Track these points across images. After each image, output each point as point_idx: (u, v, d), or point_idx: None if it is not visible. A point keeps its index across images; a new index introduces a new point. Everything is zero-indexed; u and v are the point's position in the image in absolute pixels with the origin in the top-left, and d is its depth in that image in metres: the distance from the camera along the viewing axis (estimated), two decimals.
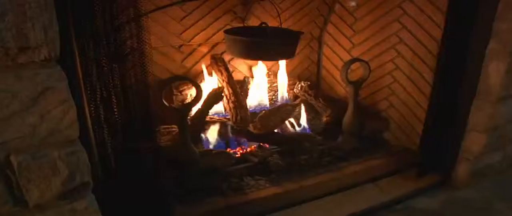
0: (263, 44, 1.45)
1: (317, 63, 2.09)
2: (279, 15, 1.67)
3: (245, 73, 1.90)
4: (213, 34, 1.72)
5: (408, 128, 1.69)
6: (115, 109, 1.09)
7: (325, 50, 2.03)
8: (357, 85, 1.61)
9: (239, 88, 1.71)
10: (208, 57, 1.74)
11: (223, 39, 1.70)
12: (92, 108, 0.99)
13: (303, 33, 1.58)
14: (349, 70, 1.60)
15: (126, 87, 1.10)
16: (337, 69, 1.99)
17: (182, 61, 1.71)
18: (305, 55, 2.05)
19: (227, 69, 1.67)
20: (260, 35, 1.50)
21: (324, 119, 1.78)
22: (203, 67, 1.71)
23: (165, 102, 1.29)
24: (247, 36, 1.47)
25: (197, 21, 1.65)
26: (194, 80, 1.40)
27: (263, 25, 1.54)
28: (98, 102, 1.01)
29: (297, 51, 1.59)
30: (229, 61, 1.82)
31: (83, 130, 0.89)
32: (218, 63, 1.69)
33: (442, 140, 1.51)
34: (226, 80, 1.66)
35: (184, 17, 1.61)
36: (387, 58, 1.72)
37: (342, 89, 2.00)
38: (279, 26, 1.67)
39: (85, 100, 0.96)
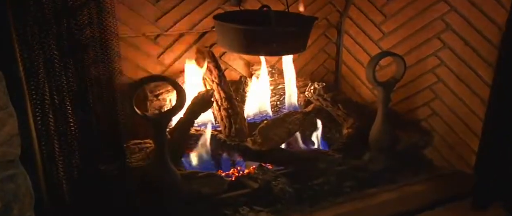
0: (265, 34, 1.44)
1: (335, 58, 2.09)
2: None
3: (241, 71, 1.89)
4: (200, 21, 1.71)
5: (458, 143, 1.67)
6: (70, 119, 1.07)
7: (346, 41, 2.03)
8: (388, 86, 1.60)
9: (234, 92, 1.70)
10: (193, 50, 1.73)
11: (213, 27, 1.69)
12: (39, 118, 0.97)
13: (317, 19, 1.57)
14: (377, 67, 1.59)
15: (85, 89, 1.09)
16: (362, 65, 1.99)
17: (159, 56, 1.70)
18: (320, 48, 2.05)
19: (218, 67, 1.67)
20: (260, 22, 1.49)
21: (345, 131, 1.76)
22: (187, 64, 1.71)
23: (136, 110, 1.28)
24: (244, 23, 1.47)
25: (178, 3, 1.65)
26: (175, 81, 1.38)
27: (265, 9, 1.54)
28: (47, 110, 0.99)
29: (309, 43, 1.58)
30: (220, 56, 1.81)
31: (26, 147, 0.87)
32: (206, 59, 1.68)
33: (508, 160, 1.47)
34: (216, 81, 1.65)
35: None
36: (429, 51, 1.71)
37: (368, 92, 1.99)
38: (285, 10, 1.67)
39: (30, 107, 0.94)
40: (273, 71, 1.90)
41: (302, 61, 2.00)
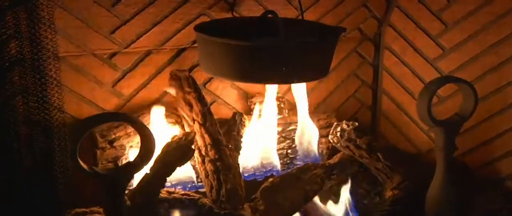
0: (270, 52, 1.45)
1: (372, 85, 2.10)
2: None
3: (235, 106, 1.90)
4: (175, 33, 1.73)
5: None
6: None
7: (388, 60, 2.05)
8: (451, 127, 1.60)
9: (224, 135, 1.70)
10: (164, 76, 1.75)
11: (194, 42, 1.71)
12: None
13: (344, 29, 1.59)
14: (435, 99, 1.61)
15: (5, 134, 1.08)
16: (411, 96, 2.00)
17: (115, 83, 1.72)
18: (349, 71, 2.07)
19: (200, 100, 1.67)
20: (263, 35, 1.51)
21: (389, 193, 1.75)
22: (157, 96, 1.71)
23: (81, 164, 1.28)
24: (239, 36, 1.48)
25: (144, 8, 1.67)
26: (139, 120, 1.38)
27: (270, 16, 1.56)
28: None
29: (333, 64, 1.60)
30: (204, 84, 1.83)
31: None
32: (185, 88, 1.69)
33: None
34: (199, 119, 1.65)
35: (120, 1, 1.63)
36: None
37: (422, 136, 2.00)
38: (299, 18, 1.69)
39: None
40: (282, 106, 1.91)
41: (323, 90, 2.01)
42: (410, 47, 1.96)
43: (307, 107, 1.88)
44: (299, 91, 1.88)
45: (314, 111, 1.93)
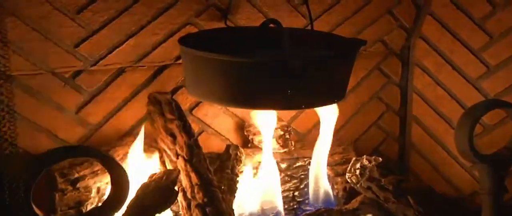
0: (273, 70, 1.45)
1: (399, 111, 2.11)
2: (307, 1, 1.69)
3: (229, 137, 1.90)
4: (154, 47, 1.74)
5: None
6: None
7: (419, 79, 2.06)
8: (500, 164, 1.60)
9: (216, 174, 1.70)
10: (141, 99, 1.76)
11: (179, 58, 1.72)
12: None
13: (364, 42, 1.59)
14: (479, 128, 1.60)
15: None
16: (448, 124, 2.00)
17: (80, 109, 1.72)
18: (371, 94, 2.08)
19: (186, 130, 1.67)
20: (263, 48, 1.52)
21: None
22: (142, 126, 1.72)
23: (36, 211, 1.27)
24: (234, 51, 1.49)
25: (116, 16, 1.68)
26: (108, 155, 1.38)
27: (272, 25, 1.56)
28: None
29: (351, 85, 1.60)
30: (191, 110, 1.84)
31: None
32: (166, 115, 1.69)
33: None
34: (184, 154, 1.65)
35: (86, 7, 1.64)
36: None
37: (463, 174, 1.99)
38: (308, 28, 1.70)
39: None
40: (287, 136, 1.91)
41: (339, 118, 2.00)
42: (447, 63, 1.97)
43: (321, 139, 1.88)
44: (312, 118, 1.88)
45: (328, 144, 1.93)
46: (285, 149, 1.89)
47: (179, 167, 1.65)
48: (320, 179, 1.88)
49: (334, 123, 1.87)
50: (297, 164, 1.92)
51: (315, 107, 1.79)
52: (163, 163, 1.71)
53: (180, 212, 1.67)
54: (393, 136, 2.12)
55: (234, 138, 1.90)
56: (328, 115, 1.87)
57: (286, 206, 1.86)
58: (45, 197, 1.60)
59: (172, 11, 1.72)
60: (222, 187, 1.68)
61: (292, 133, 1.92)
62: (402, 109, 2.10)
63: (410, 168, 2.10)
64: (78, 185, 1.64)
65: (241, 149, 1.83)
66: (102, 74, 1.72)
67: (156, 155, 1.74)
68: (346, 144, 2.01)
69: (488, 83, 1.90)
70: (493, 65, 1.88)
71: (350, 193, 1.89)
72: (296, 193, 1.91)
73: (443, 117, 2.01)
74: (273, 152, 1.86)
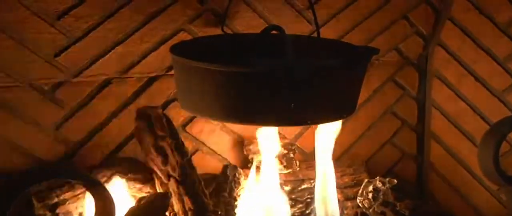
0: (275, 82, 1.45)
1: (416, 126, 2.11)
2: (312, 6, 1.70)
3: (227, 156, 1.91)
4: (144, 56, 1.75)
5: None
6: None
7: (439, 92, 2.06)
8: None
9: (212, 198, 1.70)
10: (129, 114, 1.76)
11: (170, 68, 1.73)
12: None
13: (377, 50, 1.59)
14: (504, 147, 1.59)
15: None
16: (471, 143, 2.00)
17: (60, 125, 1.72)
18: (385, 108, 2.08)
19: (179, 147, 1.67)
20: (264, 58, 1.52)
21: None
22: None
23: None
24: (232, 60, 1.50)
25: (101, 22, 1.69)
26: (91, 177, 1.38)
27: (274, 32, 1.56)
28: None
29: (362, 98, 1.61)
30: (184, 126, 1.85)
31: None
32: (156, 132, 1.69)
33: None
34: (176, 175, 1.65)
35: (68, 12, 1.64)
36: None
37: (488, 197, 2.00)
38: (314, 35, 1.70)
39: None
40: (291, 155, 1.91)
41: (349, 134, 2.01)
42: (469, 74, 1.97)
43: (328, 158, 1.87)
44: (317, 136, 1.87)
45: (336, 164, 1.92)
46: (289, 170, 1.89)
47: (170, 190, 1.65)
48: (328, 203, 1.87)
49: (334, 137, 1.86)
50: (303, 187, 1.91)
51: (322, 122, 1.77)
52: (153, 185, 1.71)
53: None
54: (410, 155, 2.12)
55: (232, 158, 1.91)
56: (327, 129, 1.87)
57: None
58: None
59: (163, 17, 1.72)
60: (219, 213, 1.68)
61: (297, 152, 1.92)
62: (419, 125, 2.10)
63: (429, 191, 2.09)
64: (57, 211, 1.63)
65: (240, 170, 1.83)
66: (85, 86, 1.72)
67: (145, 177, 1.74)
68: (357, 164, 2.00)
69: None
70: None
71: None
72: None
73: (465, 134, 2.01)
74: (276, 173, 1.86)
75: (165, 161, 1.67)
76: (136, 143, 1.74)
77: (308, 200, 1.90)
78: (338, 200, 1.89)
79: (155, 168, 1.70)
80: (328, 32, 1.81)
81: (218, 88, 1.46)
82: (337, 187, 1.88)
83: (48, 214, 1.62)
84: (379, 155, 2.08)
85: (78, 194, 1.64)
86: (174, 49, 1.56)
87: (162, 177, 1.68)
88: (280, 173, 1.87)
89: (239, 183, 1.81)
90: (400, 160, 2.11)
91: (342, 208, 1.89)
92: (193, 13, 1.74)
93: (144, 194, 1.68)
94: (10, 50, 1.59)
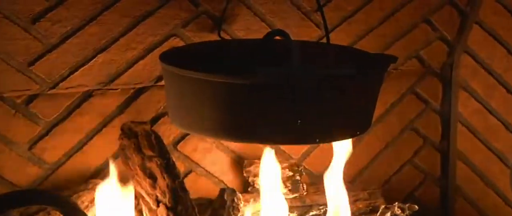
0: (279, 94, 1.46)
1: (439, 144, 2.11)
2: (321, 8, 1.71)
3: (224, 179, 1.91)
4: (130, 65, 1.75)
5: None
6: None
7: (465, 105, 2.06)
8: None
9: None
10: (112, 132, 1.77)
11: (160, 79, 1.73)
12: None
13: (394, 58, 1.60)
14: None
15: None
16: (503, 163, 2.01)
17: (35, 144, 1.73)
18: (404, 123, 2.09)
19: (169, 168, 1.67)
20: (267, 66, 1.52)
21: None
22: (111, 163, 1.72)
23: None
24: (230, 69, 1.50)
25: (82, 26, 1.69)
26: (70, 202, 1.38)
27: (278, 37, 1.57)
28: None
29: (377, 112, 1.60)
30: (175, 145, 1.85)
31: None
32: (144, 151, 1.70)
33: None
34: (166, 200, 1.65)
35: (44, 15, 1.65)
36: None
37: None
38: (323, 41, 1.71)
39: None
40: (297, 178, 1.91)
41: (363, 154, 2.02)
42: (499, 85, 1.97)
43: (339, 181, 1.88)
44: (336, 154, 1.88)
45: (349, 187, 1.92)
46: (295, 195, 1.90)
47: (158, 213, 1.65)
48: None
49: (346, 157, 1.86)
50: (311, 214, 1.91)
51: (333, 141, 1.78)
52: (139, 211, 1.71)
53: None
54: (433, 178, 2.12)
55: (229, 181, 1.91)
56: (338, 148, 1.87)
57: None
58: None
59: (153, 20, 1.73)
60: None
61: (304, 174, 1.92)
62: (443, 143, 2.10)
63: None
64: None
65: (239, 195, 1.83)
66: (63, 100, 1.72)
67: (131, 202, 1.74)
68: (372, 188, 2.01)
69: None
70: None
71: None
72: None
73: (496, 153, 2.01)
74: (280, 198, 1.86)
75: (154, 184, 1.67)
76: (121, 164, 1.75)
77: None
78: None
79: (143, 192, 1.70)
80: (339, 38, 1.81)
81: (214, 101, 1.47)
82: (350, 214, 1.88)
83: None
84: (398, 177, 2.09)
85: None
86: (164, 57, 1.56)
87: (150, 203, 1.68)
88: (285, 199, 1.88)
89: (237, 209, 1.81)
90: (421, 183, 2.11)
91: None
92: (186, 16, 1.75)
93: None
94: None
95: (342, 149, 1.85)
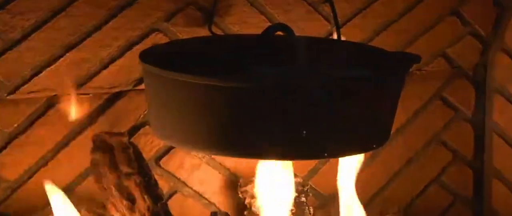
0: (280, 100, 1.47)
1: (471, 159, 2.12)
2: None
3: (214, 200, 1.92)
4: (105, 65, 1.76)
5: None
6: None
7: (503, 113, 2.09)
8: None
9: None
10: (84, 142, 1.77)
11: (140, 81, 1.74)
12: None
13: (418, 58, 1.60)
14: None
15: None
16: None
17: None
18: (430, 135, 2.10)
19: (150, 188, 1.68)
20: (266, 67, 1.53)
21: None
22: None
23: None
24: (222, 71, 1.51)
25: (47, 19, 1.69)
26: None
27: (279, 33, 1.57)
28: None
29: (397, 121, 1.61)
30: (157, 160, 1.86)
31: None
32: (121, 168, 1.70)
33: None
34: None
35: (3, 6, 1.64)
36: None
37: None
38: (333, 37, 1.73)
39: None
40: (303, 199, 1.92)
41: (381, 171, 2.03)
42: None
43: (354, 201, 1.89)
44: (340, 173, 1.89)
45: (365, 210, 1.94)
46: (304, 212, 1.90)
47: None
48: None
49: (355, 173, 1.86)
50: None
51: (344, 155, 1.78)
52: None
53: None
54: (464, 199, 2.13)
55: (222, 202, 1.92)
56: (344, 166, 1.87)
57: None
58: None
59: (131, 12, 1.73)
60: None
61: (310, 194, 1.93)
62: (476, 158, 2.10)
63: None
64: None
65: None
66: (24, 106, 1.73)
67: None
68: (392, 211, 2.01)
69: None
70: None
71: None
72: None
73: None
74: None
75: (132, 207, 1.67)
76: (93, 182, 1.75)
77: None
78: None
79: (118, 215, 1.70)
80: (352, 33, 1.82)
81: (204, 108, 1.47)
82: None
83: None
84: (422, 199, 2.09)
85: None
86: (145, 56, 1.56)
87: None
88: None
89: None
90: (451, 206, 2.12)
91: None
92: (170, 7, 1.76)
93: None
94: None
95: (351, 162, 1.86)
